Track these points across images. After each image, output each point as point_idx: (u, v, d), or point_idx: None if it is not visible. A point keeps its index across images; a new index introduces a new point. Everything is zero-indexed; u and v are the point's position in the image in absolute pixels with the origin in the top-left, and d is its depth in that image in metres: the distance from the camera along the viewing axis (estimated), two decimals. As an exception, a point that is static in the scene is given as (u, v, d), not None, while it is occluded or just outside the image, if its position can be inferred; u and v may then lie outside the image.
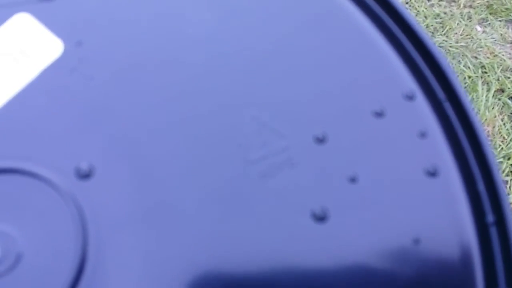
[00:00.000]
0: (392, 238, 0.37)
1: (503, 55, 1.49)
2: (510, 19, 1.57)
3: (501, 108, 1.40)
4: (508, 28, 1.56)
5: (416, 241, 0.37)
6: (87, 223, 0.36)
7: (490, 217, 0.38)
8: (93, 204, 0.36)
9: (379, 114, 0.40)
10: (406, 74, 0.42)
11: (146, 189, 0.37)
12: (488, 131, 1.36)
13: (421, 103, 0.41)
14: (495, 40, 1.53)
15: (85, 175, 0.37)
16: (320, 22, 0.44)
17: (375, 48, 0.43)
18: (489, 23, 1.57)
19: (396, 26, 0.44)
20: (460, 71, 1.44)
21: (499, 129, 1.36)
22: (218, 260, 0.36)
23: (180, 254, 0.36)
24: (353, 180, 0.38)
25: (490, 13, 1.56)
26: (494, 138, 1.34)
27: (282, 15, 0.44)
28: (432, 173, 0.39)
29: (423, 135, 0.40)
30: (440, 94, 0.41)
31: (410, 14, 0.42)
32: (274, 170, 0.38)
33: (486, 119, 1.37)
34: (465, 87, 1.41)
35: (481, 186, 0.39)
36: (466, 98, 0.39)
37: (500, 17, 1.58)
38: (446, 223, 0.38)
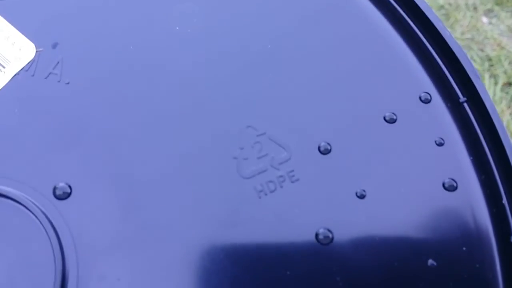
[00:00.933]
0: (405, 261, 0.33)
1: (510, 47, 1.45)
2: (517, 10, 1.53)
3: (509, 102, 1.36)
4: (515, 19, 1.52)
5: (432, 264, 0.33)
6: (64, 249, 0.32)
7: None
8: (72, 228, 0.33)
9: (391, 120, 0.36)
10: (422, 73, 0.38)
11: (130, 210, 0.33)
12: (496, 126, 1.32)
13: (439, 105, 0.37)
14: (502, 32, 1.49)
15: (62, 196, 0.33)
16: (325, 15, 0.40)
17: (386, 43, 0.39)
18: (496, 14, 1.53)
19: (409, 17, 0.39)
20: (466, 64, 1.40)
21: (507, 124, 1.32)
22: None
23: (168, 283, 0.32)
24: (360, 195, 0.34)
25: (497, 4, 1.52)
26: (503, 133, 1.30)
27: (281, 10, 0.40)
28: (451, 186, 0.35)
29: (440, 143, 0.36)
30: (460, 95, 0.37)
31: (425, 3, 0.37)
32: (274, 186, 0.34)
33: (494, 114, 1.33)
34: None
35: (506, 201, 0.34)
36: (489, 99, 0.35)
37: (507, 7, 1.54)
38: (466, 244, 0.34)
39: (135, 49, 0.37)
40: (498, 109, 1.32)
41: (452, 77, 0.37)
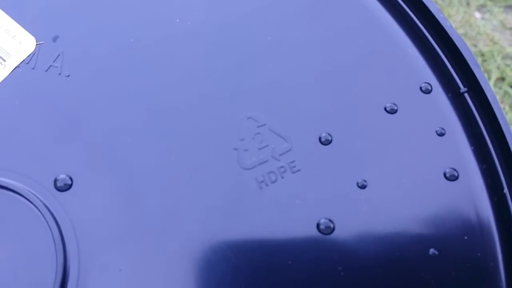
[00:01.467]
0: (406, 250, 0.33)
1: (503, 42, 1.46)
2: (509, 5, 1.53)
3: (502, 97, 1.37)
4: (507, 14, 1.53)
5: (434, 253, 0.33)
6: (65, 241, 0.32)
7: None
8: (73, 219, 0.33)
9: (392, 110, 0.36)
10: (423, 64, 0.38)
11: (132, 202, 0.33)
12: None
13: (440, 96, 0.37)
14: (495, 27, 1.49)
15: (64, 188, 0.33)
16: (325, 6, 0.40)
17: (387, 34, 0.39)
18: (488, 9, 1.53)
19: (409, 8, 0.39)
20: (459, 60, 1.40)
21: (500, 119, 1.32)
22: (212, 283, 0.32)
23: (170, 275, 0.32)
24: (361, 185, 0.34)
25: (489, -1, 1.53)
26: (496, 128, 1.30)
27: (280, 0, 0.40)
28: (452, 176, 0.35)
29: (441, 132, 0.36)
30: (460, 85, 0.37)
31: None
32: (275, 176, 0.34)
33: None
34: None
35: (507, 191, 0.35)
36: (490, 89, 0.35)
37: (499, 2, 1.54)
38: (467, 233, 0.34)
39: (135, 41, 0.37)
40: (492, 104, 1.31)
41: (453, 68, 0.38)
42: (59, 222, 0.32)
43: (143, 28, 0.38)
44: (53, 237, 0.32)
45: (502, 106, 1.34)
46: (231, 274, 0.32)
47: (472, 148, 0.36)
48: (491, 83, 1.38)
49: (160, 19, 0.38)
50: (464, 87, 0.37)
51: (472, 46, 1.46)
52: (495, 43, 1.47)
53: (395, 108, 0.36)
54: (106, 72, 0.36)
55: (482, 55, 1.44)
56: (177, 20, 0.38)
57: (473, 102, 0.37)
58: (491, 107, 0.35)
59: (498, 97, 1.35)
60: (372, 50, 0.38)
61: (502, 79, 1.40)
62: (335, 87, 0.37)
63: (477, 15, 1.54)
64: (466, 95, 0.37)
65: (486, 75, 1.39)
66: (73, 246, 0.32)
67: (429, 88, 0.37)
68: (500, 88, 1.38)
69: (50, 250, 0.32)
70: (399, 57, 0.38)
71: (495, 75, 1.39)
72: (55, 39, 0.37)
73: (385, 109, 0.36)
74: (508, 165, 0.34)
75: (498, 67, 1.41)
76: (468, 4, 1.54)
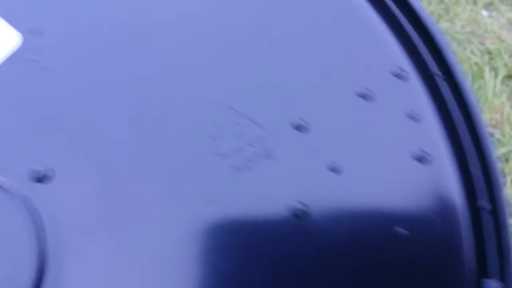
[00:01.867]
0: (378, 231, 0.34)
1: (510, 40, 1.45)
2: (517, 3, 1.53)
3: (509, 95, 1.36)
4: (514, 12, 1.52)
5: (406, 234, 0.34)
6: (44, 229, 0.32)
7: (484, 205, 0.35)
8: (52, 209, 0.33)
9: (365, 95, 0.36)
10: (397, 48, 0.38)
11: (110, 191, 0.34)
12: (497, 119, 1.32)
13: (414, 81, 0.37)
14: (502, 25, 1.49)
15: (42, 178, 0.34)
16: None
17: (361, 19, 0.39)
18: (495, 7, 1.52)
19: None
20: (466, 58, 1.40)
21: (508, 117, 1.32)
22: (189, 271, 0.33)
23: (148, 262, 0.32)
24: (335, 169, 0.35)
25: (496, -3, 1.52)
26: (503, 125, 1.29)
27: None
28: (424, 160, 0.35)
29: (414, 116, 0.36)
30: (435, 71, 0.37)
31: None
32: (250, 163, 0.35)
33: (494, 107, 1.33)
34: (472, 74, 1.36)
35: (476, 172, 0.35)
36: (462, 75, 0.35)
37: (506, 0, 1.53)
38: (438, 213, 0.34)
39: (117, 34, 0.38)
40: (499, 102, 1.31)
41: (426, 52, 0.38)
42: (38, 213, 0.33)
43: (126, 18, 0.38)
44: (32, 228, 0.32)
45: (509, 103, 1.33)
46: (207, 261, 0.33)
47: (444, 131, 0.36)
48: (498, 80, 1.37)
49: (143, 13, 0.39)
50: (437, 72, 0.37)
51: (479, 44, 1.45)
52: (503, 41, 1.46)
53: (368, 93, 0.36)
54: (87, 65, 0.37)
55: (489, 53, 1.43)
56: (161, 14, 0.38)
57: (445, 86, 0.37)
58: (463, 92, 0.35)
59: (505, 95, 1.34)
60: (345, 35, 0.38)
61: (509, 76, 1.39)
62: (309, 73, 0.37)
63: (484, 13, 1.53)
64: (439, 80, 0.37)
65: (493, 73, 1.39)
66: (52, 236, 0.32)
67: (402, 72, 0.37)
68: (507, 85, 1.37)
69: (29, 241, 0.32)
70: (373, 41, 0.38)
71: (502, 72, 1.39)
72: (36, 32, 0.37)
73: (357, 93, 0.36)
74: (478, 148, 0.35)
75: (505, 65, 1.41)
76: (475, 2, 1.54)
